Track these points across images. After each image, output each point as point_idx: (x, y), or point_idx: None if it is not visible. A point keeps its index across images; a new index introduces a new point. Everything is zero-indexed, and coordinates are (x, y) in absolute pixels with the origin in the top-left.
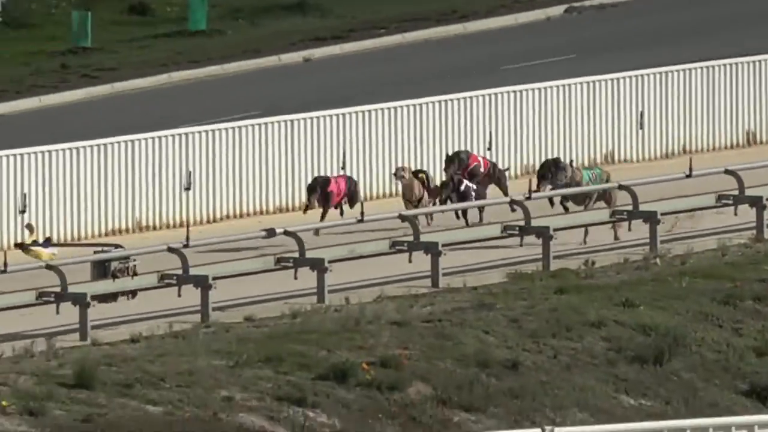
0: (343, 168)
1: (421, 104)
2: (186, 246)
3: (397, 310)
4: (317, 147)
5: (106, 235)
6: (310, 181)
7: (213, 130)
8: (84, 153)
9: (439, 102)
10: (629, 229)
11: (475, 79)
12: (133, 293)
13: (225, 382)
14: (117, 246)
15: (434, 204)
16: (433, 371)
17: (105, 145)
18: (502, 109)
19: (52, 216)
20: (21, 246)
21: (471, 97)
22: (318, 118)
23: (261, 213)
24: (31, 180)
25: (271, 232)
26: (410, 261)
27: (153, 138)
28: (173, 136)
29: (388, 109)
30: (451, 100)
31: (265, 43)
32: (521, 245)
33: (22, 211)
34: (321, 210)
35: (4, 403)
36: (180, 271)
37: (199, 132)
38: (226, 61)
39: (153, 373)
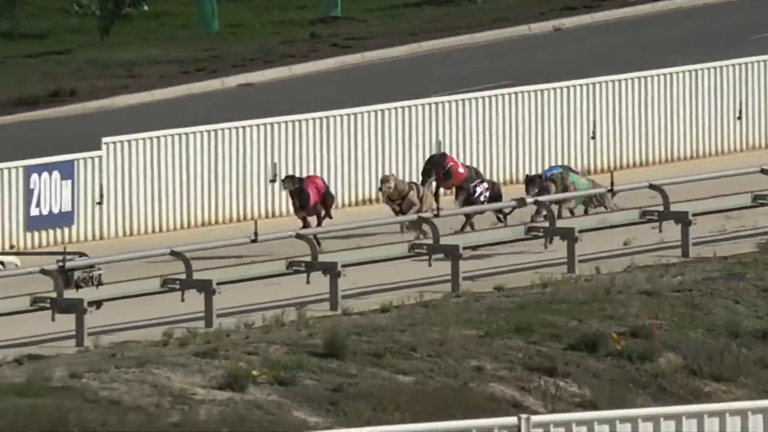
0: (593, 137)
1: (671, 74)
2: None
3: (647, 280)
4: (566, 117)
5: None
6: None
7: (463, 100)
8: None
9: (689, 72)
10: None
11: (722, 50)
12: (97, 304)
13: (475, 352)
14: (81, 254)
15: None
16: (683, 341)
17: (354, 114)
18: (752, 79)
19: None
20: None
21: (719, 67)
22: (568, 88)
23: (511, 183)
24: (281, 149)
25: (521, 202)
26: (660, 231)
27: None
28: (422, 105)
29: (638, 78)
30: (700, 70)
31: (514, 12)
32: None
33: (272, 181)
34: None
35: (254, 372)
36: (430, 241)
37: (449, 102)
38: (475, 30)
39: (403, 342)
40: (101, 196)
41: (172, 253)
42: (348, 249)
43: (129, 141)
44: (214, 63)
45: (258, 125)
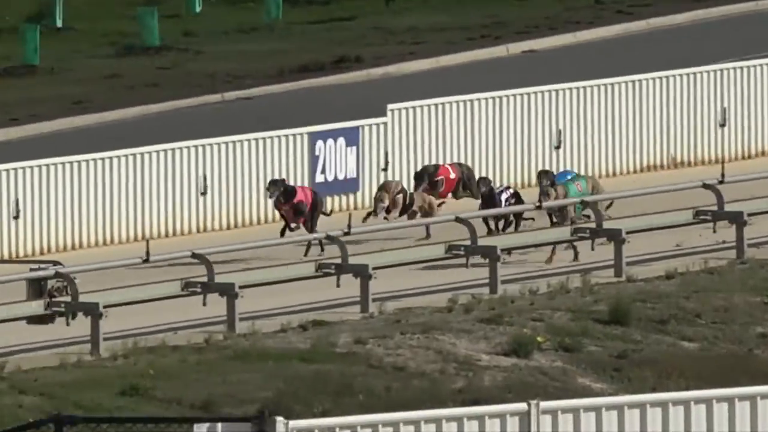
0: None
1: None
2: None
3: None
4: None
5: (641, 171)
6: None
7: (749, 67)
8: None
9: None
10: (714, 231)
11: None
12: (73, 315)
13: (760, 319)
14: (55, 263)
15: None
16: None
17: (640, 81)
18: None
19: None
20: None
21: None
22: None
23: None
24: (565, 116)
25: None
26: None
27: (688, 74)
28: (707, 72)
29: None
30: None
31: None
32: None
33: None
34: None
35: (539, 339)
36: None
37: (734, 68)
38: None
39: (688, 309)
40: (386, 162)
41: (457, 220)
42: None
43: (414, 108)
44: (498, 29)
45: (542, 92)
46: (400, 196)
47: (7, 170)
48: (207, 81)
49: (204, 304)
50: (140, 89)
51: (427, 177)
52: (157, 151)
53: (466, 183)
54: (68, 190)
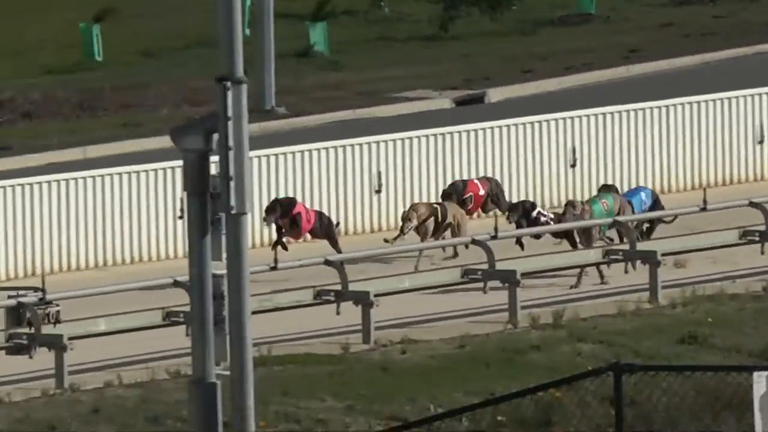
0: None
1: None
2: None
3: None
4: None
5: None
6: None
7: None
8: None
9: None
10: (762, 252)
11: None
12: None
13: None
14: (36, 289)
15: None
16: None
17: None
18: None
19: None
20: None
21: None
22: None
23: None
24: None
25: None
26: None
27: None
28: None
29: None
30: None
31: None
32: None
33: None
34: None
35: None
36: None
37: None
38: None
39: None
40: None
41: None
42: None
43: None
44: None
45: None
46: (431, 221)
47: (563, 119)
48: (764, 30)
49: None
50: (695, 38)
51: (456, 195)
52: (713, 100)
53: (495, 198)
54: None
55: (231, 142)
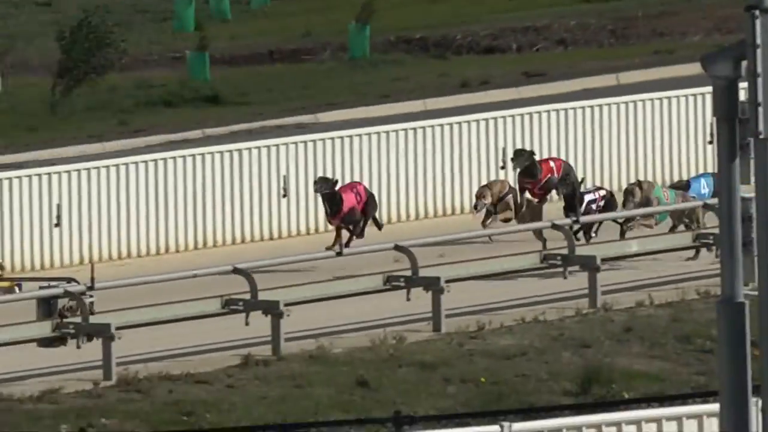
0: None
1: None
2: None
3: None
4: None
5: None
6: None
7: None
8: None
9: None
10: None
11: None
12: (89, 336)
13: None
14: (69, 280)
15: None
16: None
17: None
18: None
19: None
20: None
21: None
22: None
23: None
24: None
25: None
26: None
27: None
28: None
29: None
30: None
31: None
32: None
33: None
34: None
35: None
36: None
37: None
38: None
39: None
40: None
41: (554, 227)
42: None
43: None
44: None
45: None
46: (510, 196)
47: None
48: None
49: None
50: None
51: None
52: (659, 99)
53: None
54: None
55: (759, 70)
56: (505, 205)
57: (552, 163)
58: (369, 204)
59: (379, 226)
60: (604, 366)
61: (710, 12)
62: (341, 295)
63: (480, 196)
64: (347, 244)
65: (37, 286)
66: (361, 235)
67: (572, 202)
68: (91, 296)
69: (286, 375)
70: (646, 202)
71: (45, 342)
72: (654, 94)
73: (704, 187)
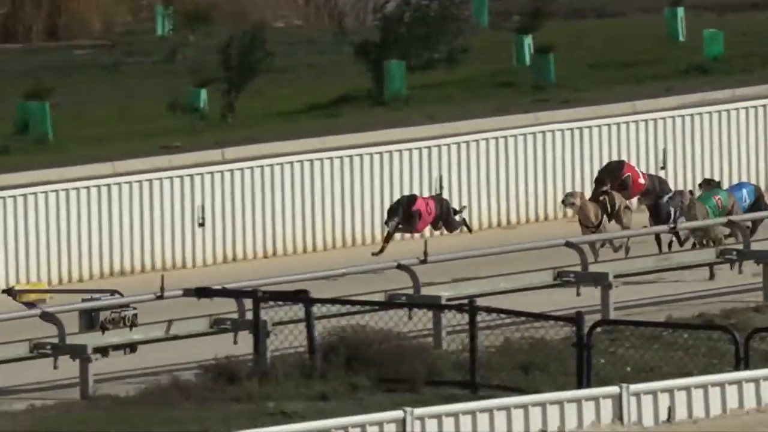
0: None
1: None
2: None
3: None
4: None
5: None
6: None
7: None
8: None
9: None
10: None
11: None
12: (132, 347)
13: None
14: (113, 292)
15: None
16: None
17: None
18: None
19: None
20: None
21: None
22: None
23: None
24: None
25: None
26: None
27: None
28: None
29: None
30: None
31: None
32: None
33: None
34: None
35: None
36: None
37: None
38: None
39: None
40: None
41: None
42: None
43: None
44: None
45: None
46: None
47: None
48: None
49: None
50: None
51: (609, 177)
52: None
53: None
54: None
55: None
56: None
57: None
58: (443, 212)
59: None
60: None
61: None
62: None
63: (570, 195)
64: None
65: (80, 298)
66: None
67: (657, 212)
68: (134, 308)
69: None
70: (688, 213)
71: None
72: None
73: (746, 198)
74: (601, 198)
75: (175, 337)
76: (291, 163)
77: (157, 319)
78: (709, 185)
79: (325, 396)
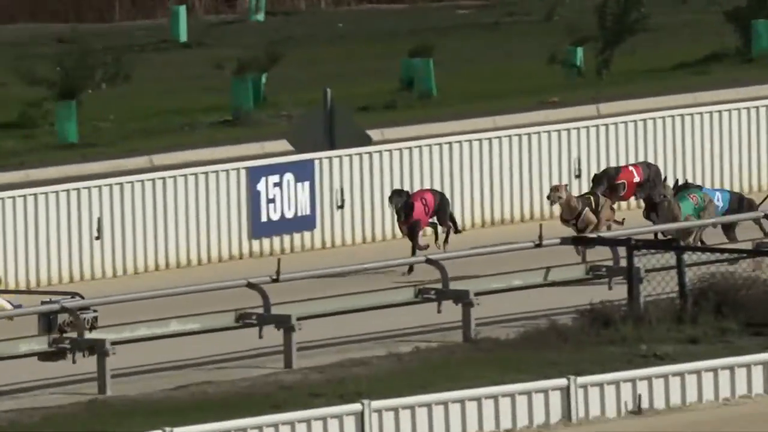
0: None
1: None
2: None
3: None
4: None
5: None
6: None
7: None
8: None
9: None
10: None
11: None
12: (90, 349)
13: None
14: (73, 295)
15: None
16: None
17: None
18: None
19: None
20: None
21: None
22: None
23: None
24: None
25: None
26: None
27: None
28: None
29: None
30: None
31: None
32: None
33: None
34: None
35: None
36: None
37: None
38: None
39: None
40: None
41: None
42: None
43: None
44: None
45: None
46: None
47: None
48: None
49: None
50: None
51: (607, 180)
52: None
53: (652, 183)
54: None
55: None
56: (585, 222)
57: (632, 168)
58: (441, 208)
59: (457, 230)
60: None
61: None
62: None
63: (555, 189)
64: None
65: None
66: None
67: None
68: (94, 311)
69: None
70: (669, 216)
71: (44, 356)
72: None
73: (718, 200)
74: (587, 196)
75: (552, 284)
76: (663, 118)
77: (537, 265)
78: (686, 188)
79: (695, 339)
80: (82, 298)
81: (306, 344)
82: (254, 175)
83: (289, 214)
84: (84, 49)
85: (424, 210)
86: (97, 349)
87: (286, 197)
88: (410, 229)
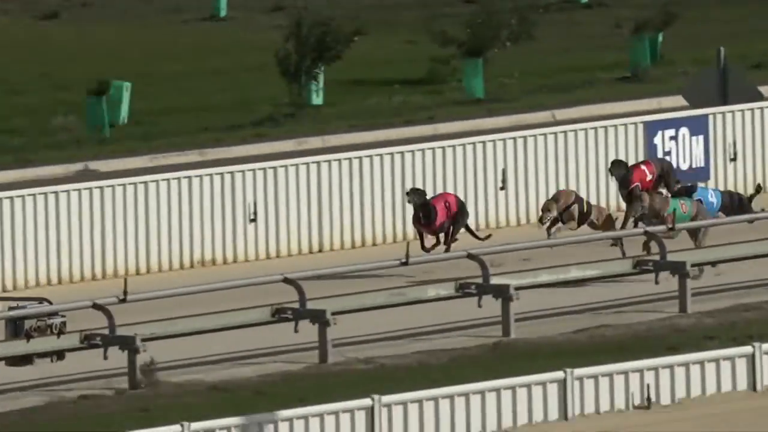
0: None
1: None
2: None
3: None
4: None
5: None
6: None
7: None
8: None
9: None
10: None
11: None
12: (59, 354)
13: None
14: (41, 300)
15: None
16: None
17: None
18: None
19: None
20: None
21: None
22: None
23: None
24: None
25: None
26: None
27: None
28: None
29: None
30: None
31: None
32: None
33: None
34: None
35: None
36: None
37: None
38: None
39: None
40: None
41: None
42: None
43: None
44: None
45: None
46: (575, 206)
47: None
48: None
49: None
50: None
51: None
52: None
53: (665, 178)
54: None
55: None
56: (569, 215)
57: (644, 167)
58: (459, 213)
59: (476, 236)
60: None
61: None
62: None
63: (546, 209)
64: (429, 249)
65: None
66: (449, 244)
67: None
68: (63, 316)
69: None
70: (654, 215)
71: (11, 361)
72: None
73: (711, 196)
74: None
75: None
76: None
77: None
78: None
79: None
80: (50, 303)
81: (699, 290)
82: (651, 129)
83: (684, 166)
84: (490, 10)
85: (446, 213)
86: (502, 293)
87: (681, 150)
88: (436, 233)
